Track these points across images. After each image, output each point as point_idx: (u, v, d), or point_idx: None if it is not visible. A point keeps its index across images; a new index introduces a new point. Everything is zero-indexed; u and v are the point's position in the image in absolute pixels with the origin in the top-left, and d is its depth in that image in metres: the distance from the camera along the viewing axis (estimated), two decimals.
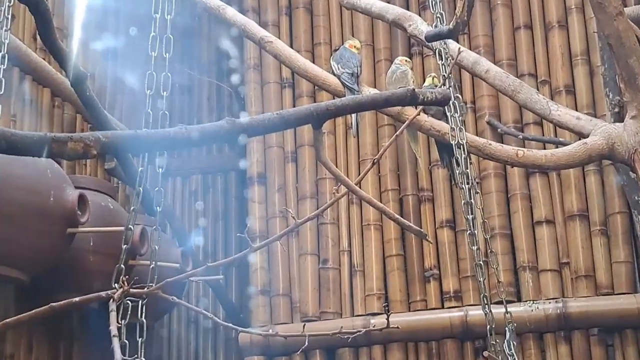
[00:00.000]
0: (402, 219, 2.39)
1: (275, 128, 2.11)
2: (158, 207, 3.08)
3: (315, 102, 5.57)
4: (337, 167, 5.45)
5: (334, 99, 5.09)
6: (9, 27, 3.66)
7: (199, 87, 6.32)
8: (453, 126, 3.64)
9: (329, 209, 5.10)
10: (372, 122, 5.50)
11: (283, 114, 2.12)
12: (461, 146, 3.62)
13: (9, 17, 3.68)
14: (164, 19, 3.17)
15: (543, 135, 5.21)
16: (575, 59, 5.32)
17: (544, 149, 5.03)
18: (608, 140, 3.55)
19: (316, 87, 5.10)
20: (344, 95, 4.17)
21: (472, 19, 5.36)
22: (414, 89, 2.33)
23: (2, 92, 3.39)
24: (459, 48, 3.75)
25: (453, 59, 3.67)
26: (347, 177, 5.39)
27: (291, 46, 5.57)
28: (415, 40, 4.69)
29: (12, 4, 3.58)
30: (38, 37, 4.73)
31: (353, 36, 5.49)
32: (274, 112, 5.43)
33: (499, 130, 5.24)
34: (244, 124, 2.02)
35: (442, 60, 3.77)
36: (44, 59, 4.67)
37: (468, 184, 3.59)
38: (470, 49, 5.24)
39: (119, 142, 1.73)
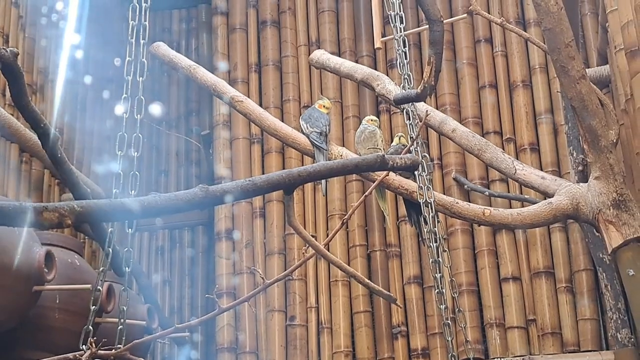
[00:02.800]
0: (371, 283, 2.42)
1: (247, 194, 2.13)
2: (127, 268, 3.07)
3: (284, 158, 5.62)
4: (305, 222, 5.49)
5: (302, 156, 5.20)
6: None
7: (167, 142, 6.33)
8: (421, 185, 3.69)
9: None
10: (340, 177, 5.54)
11: (255, 181, 2.14)
12: (429, 205, 3.66)
13: None
14: (136, 80, 3.19)
15: (509, 192, 5.28)
16: (540, 117, 5.43)
17: (510, 205, 5.11)
18: (573, 201, 3.62)
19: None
20: (313, 154, 4.21)
21: (439, 78, 5.46)
22: (383, 156, 2.38)
23: None
24: (427, 111, 3.82)
25: (421, 121, 3.73)
26: (316, 232, 5.46)
27: (260, 103, 5.65)
28: (383, 99, 4.77)
29: None
30: (7, 93, 4.75)
31: (322, 93, 5.56)
32: (243, 175, 5.43)
33: (465, 186, 5.31)
34: (217, 191, 2.04)
35: (409, 120, 3.83)
36: (12, 114, 4.67)
37: (436, 242, 3.62)
38: (437, 107, 5.36)
39: (93, 212, 1.74)
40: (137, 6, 3.33)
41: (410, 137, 4.07)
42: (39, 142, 4.45)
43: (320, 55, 4.73)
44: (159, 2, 6.22)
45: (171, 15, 6.66)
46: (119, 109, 3.20)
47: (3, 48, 2.69)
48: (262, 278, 3.47)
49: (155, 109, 6.24)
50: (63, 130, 5.39)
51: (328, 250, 3.72)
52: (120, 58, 3.94)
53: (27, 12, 5.22)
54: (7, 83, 2.85)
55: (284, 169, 5.59)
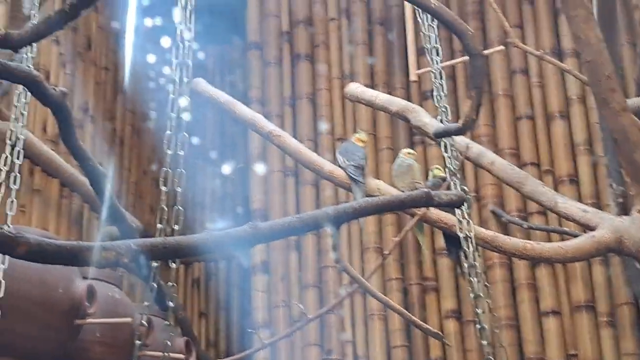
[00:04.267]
0: (418, 320, 2.40)
1: (295, 231, 2.14)
2: (171, 303, 3.08)
3: (318, 190, 5.63)
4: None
5: (336, 189, 5.20)
6: (24, 122, 3.74)
7: (202, 175, 6.38)
8: (460, 219, 3.66)
9: (332, 298, 5.10)
10: None
11: (303, 218, 2.16)
12: (469, 239, 3.63)
13: (25, 112, 3.75)
14: (179, 118, 3.23)
15: (547, 224, 5.24)
16: (578, 148, 5.40)
17: (549, 238, 5.06)
18: (616, 234, 3.58)
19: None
20: (350, 187, 4.21)
21: None
22: (429, 191, 2.37)
23: (17, 187, 3.42)
24: (467, 145, 3.81)
25: (460, 155, 3.72)
26: (351, 265, 5.44)
27: (294, 135, 5.66)
28: (418, 131, 4.77)
29: (27, 101, 3.65)
30: (48, 128, 4.82)
31: (356, 126, 5.58)
32: (278, 208, 5.42)
33: (503, 219, 5.28)
34: (266, 228, 2.05)
35: (448, 153, 3.82)
36: (53, 149, 4.74)
37: (476, 276, 3.59)
38: (472, 139, 5.34)
39: (148, 250, 1.76)
40: (180, 44, 3.37)
41: (449, 171, 4.06)
42: (80, 177, 4.53)
43: (355, 88, 4.75)
44: (195, 40, 6.33)
45: (206, 52, 6.75)
46: (162, 144, 3.23)
47: (53, 87, 2.74)
48: (304, 312, 3.47)
49: (193, 143, 6.29)
50: (109, 169, 5.45)
51: None
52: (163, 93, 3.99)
53: (67, 49, 5.31)
54: (55, 121, 2.90)
55: (318, 201, 5.60)
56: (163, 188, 3.13)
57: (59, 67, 5.17)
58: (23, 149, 3.76)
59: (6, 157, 3.56)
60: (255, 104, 5.85)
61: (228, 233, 2.02)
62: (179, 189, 3.23)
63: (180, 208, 3.17)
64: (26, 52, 3.69)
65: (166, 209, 3.09)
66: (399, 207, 2.40)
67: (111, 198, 2.98)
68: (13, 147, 3.66)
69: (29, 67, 3.51)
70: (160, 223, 3.12)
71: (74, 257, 1.67)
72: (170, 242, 1.83)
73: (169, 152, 3.15)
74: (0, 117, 4.25)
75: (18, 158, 3.59)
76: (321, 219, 2.22)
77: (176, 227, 3.16)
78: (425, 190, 2.39)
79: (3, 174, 3.51)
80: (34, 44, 3.77)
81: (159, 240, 1.81)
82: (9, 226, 3.23)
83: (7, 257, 3.39)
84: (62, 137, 2.74)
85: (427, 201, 2.37)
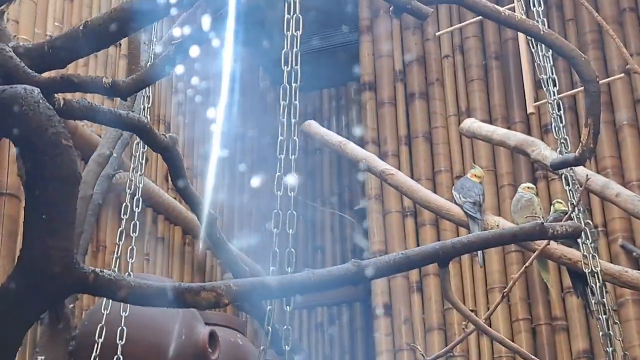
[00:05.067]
0: None
1: (400, 268, 2.08)
2: (287, 346, 3.05)
3: (438, 230, 5.53)
4: (463, 295, 5.34)
5: (457, 228, 5.09)
6: (143, 171, 3.85)
7: (321, 218, 6.39)
8: (585, 254, 3.50)
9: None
10: (499, 248, 5.38)
11: (408, 254, 2.09)
12: (595, 274, 3.46)
13: (143, 161, 3.87)
14: (289, 159, 3.23)
15: None
16: None
17: None
18: None
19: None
20: (468, 225, 4.11)
21: (598, 140, 5.26)
22: (542, 223, 2.27)
23: (136, 235, 3.51)
24: (587, 175, 3.65)
25: (581, 186, 3.57)
26: (475, 306, 5.29)
27: (411, 175, 5.61)
28: (539, 165, 4.62)
29: (145, 149, 3.77)
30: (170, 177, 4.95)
31: (474, 162, 5.47)
32: (397, 249, 5.37)
33: (634, 254, 5.02)
34: (370, 266, 2.00)
35: (569, 186, 3.67)
36: (175, 198, 4.85)
37: (605, 314, 3.41)
38: (598, 171, 5.13)
39: (249, 290, 1.75)
40: (288, 86, 3.39)
41: (571, 204, 3.90)
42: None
43: (471, 124, 4.66)
44: (309, 83, 6.41)
45: (321, 95, 6.82)
46: (274, 187, 3.24)
47: (162, 134, 2.80)
48: (422, 355, 3.38)
49: (309, 185, 6.33)
50: (223, 211, 5.55)
51: (490, 325, 3.59)
52: (273, 140, 4.03)
53: (187, 99, 5.47)
54: (167, 166, 2.96)
55: (438, 241, 5.49)
56: (274, 230, 3.13)
57: (178, 117, 5.33)
58: (144, 197, 3.88)
59: (126, 205, 3.68)
60: (371, 144, 5.84)
61: (331, 272, 1.99)
62: (290, 231, 3.22)
63: (293, 250, 3.15)
64: (142, 101, 3.82)
65: (278, 250, 3.08)
66: (510, 240, 2.31)
67: (222, 242, 3.00)
68: (133, 195, 3.78)
69: (145, 116, 3.63)
70: (273, 266, 3.12)
71: (174, 299, 1.67)
72: (271, 282, 1.81)
73: (279, 193, 3.15)
74: (123, 168, 4.39)
75: (137, 206, 3.69)
76: (428, 255, 2.15)
77: (289, 270, 3.15)
78: (538, 222, 2.29)
79: (123, 223, 3.62)
80: (150, 95, 3.91)
81: (258, 280, 1.79)
82: (114, 271, 3.31)
83: (128, 305, 3.47)
84: (173, 183, 2.79)
85: (541, 234, 2.27)
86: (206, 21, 2.57)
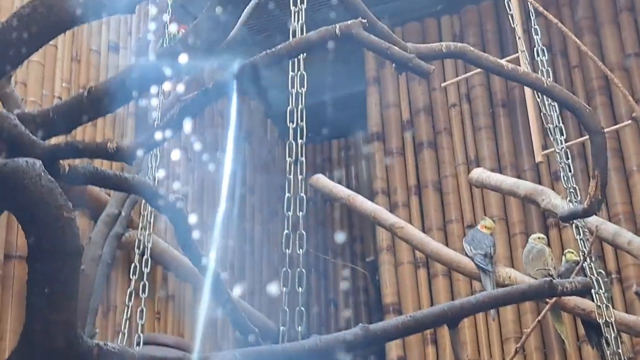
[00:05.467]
0: None
1: (409, 331, 2.06)
2: None
3: (451, 281, 5.48)
4: (478, 347, 5.27)
5: (470, 281, 5.06)
6: (151, 230, 3.85)
7: (333, 270, 6.36)
8: (599, 304, 3.46)
9: None
10: None
11: (417, 317, 2.07)
12: (610, 325, 3.42)
13: (152, 220, 3.86)
14: (297, 216, 3.22)
15: None
16: None
17: None
18: None
19: None
20: (479, 277, 4.08)
21: (609, 186, 5.23)
22: (551, 281, 2.25)
23: (146, 295, 3.50)
24: (596, 226, 3.63)
25: (592, 235, 3.55)
26: (491, 357, 5.22)
27: (422, 225, 5.58)
28: (549, 214, 4.60)
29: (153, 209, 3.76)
30: None
31: (485, 211, 5.44)
32: (410, 301, 5.31)
33: None
34: (378, 330, 1.98)
35: (580, 235, 3.65)
36: (184, 255, 4.83)
37: None
38: (609, 217, 5.10)
39: (261, 357, 1.73)
40: (294, 143, 3.40)
41: (582, 253, 3.86)
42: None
43: (480, 173, 4.66)
44: (317, 134, 6.45)
45: (330, 145, 6.83)
46: (283, 244, 3.22)
47: (169, 193, 2.80)
48: None
49: (320, 237, 6.31)
50: (234, 265, 5.52)
51: None
52: (282, 193, 4.03)
53: (194, 154, 5.49)
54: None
55: (452, 292, 5.45)
56: (283, 289, 3.11)
57: (187, 173, 5.34)
58: (153, 255, 3.87)
59: (135, 266, 3.67)
60: (381, 195, 5.83)
61: (338, 337, 1.96)
62: (300, 290, 3.20)
63: (303, 309, 3.13)
64: (150, 161, 3.83)
65: (287, 310, 3.06)
66: (520, 299, 2.29)
67: (232, 303, 2.98)
68: (142, 255, 3.77)
69: (151, 178, 3.63)
70: (284, 325, 3.09)
71: None
72: (277, 349, 1.79)
73: (287, 251, 3.14)
74: (132, 226, 4.39)
75: (146, 267, 3.68)
76: (437, 316, 2.13)
77: (299, 329, 3.11)
78: (547, 279, 2.27)
79: (133, 283, 3.60)
80: (158, 155, 3.92)
81: (265, 348, 1.77)
82: (124, 333, 3.30)
83: None
84: (180, 244, 2.78)
85: (550, 291, 2.25)
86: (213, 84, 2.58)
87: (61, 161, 2.49)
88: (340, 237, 6.47)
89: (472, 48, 2.80)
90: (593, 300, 3.53)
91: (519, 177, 5.36)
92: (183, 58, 2.31)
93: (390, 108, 6.13)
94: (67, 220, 1.65)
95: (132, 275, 3.64)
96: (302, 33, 3.41)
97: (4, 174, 1.68)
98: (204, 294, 2.69)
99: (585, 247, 3.62)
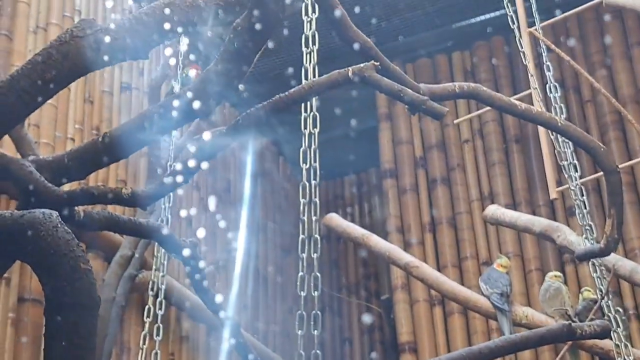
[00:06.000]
0: None
1: None
2: None
3: (467, 319, 5.44)
4: None
5: (487, 320, 5.00)
6: (165, 272, 3.84)
7: (348, 308, 6.32)
8: (617, 342, 3.42)
9: None
10: None
11: None
12: None
13: (165, 262, 3.86)
14: (311, 257, 3.21)
15: None
16: None
17: None
18: None
19: None
20: (496, 316, 4.04)
21: (624, 221, 5.19)
22: (570, 324, 2.22)
23: (160, 338, 3.48)
24: (613, 265, 3.60)
25: (609, 273, 3.52)
26: None
27: (437, 263, 5.55)
28: (565, 251, 4.56)
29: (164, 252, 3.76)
30: None
31: (500, 248, 5.41)
32: (426, 339, 5.24)
33: None
34: None
35: (596, 273, 3.62)
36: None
37: None
38: (625, 253, 5.05)
39: None
40: (307, 184, 3.39)
41: (599, 291, 3.83)
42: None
43: (495, 210, 4.63)
44: (330, 171, 6.44)
45: (343, 182, 6.82)
46: (297, 285, 3.21)
47: (183, 240, 2.80)
48: None
49: (334, 275, 6.28)
50: (248, 306, 5.50)
51: None
52: (295, 233, 4.02)
53: (207, 194, 5.49)
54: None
55: (468, 331, 5.40)
56: (299, 332, 3.08)
57: (200, 212, 5.34)
58: (167, 296, 3.85)
59: (149, 308, 3.66)
60: (394, 232, 5.80)
61: None
62: (316, 332, 3.17)
63: (319, 352, 3.10)
64: (163, 202, 3.83)
65: (303, 353, 3.03)
66: (538, 343, 2.26)
67: (245, 345, 2.97)
68: (156, 297, 3.76)
69: (165, 219, 3.63)
70: None
71: None
72: None
73: (302, 293, 3.12)
74: (145, 267, 4.38)
75: (160, 309, 3.67)
76: None
77: None
78: (566, 323, 2.25)
79: (147, 326, 3.59)
80: (171, 195, 3.92)
81: None
82: None
83: None
84: (193, 287, 2.77)
85: (569, 335, 2.22)
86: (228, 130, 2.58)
87: (76, 207, 2.50)
88: (354, 274, 6.43)
89: (485, 88, 2.79)
90: (611, 339, 3.49)
91: (533, 212, 5.34)
92: (196, 104, 2.32)
93: (403, 144, 6.12)
94: (84, 271, 1.64)
95: (146, 318, 3.63)
96: (313, 42, 3.41)
97: (21, 225, 1.68)
98: (220, 336, 2.68)
99: (602, 285, 3.59)
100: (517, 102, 2.93)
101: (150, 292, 3.72)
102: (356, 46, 2.54)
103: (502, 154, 5.89)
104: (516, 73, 5.95)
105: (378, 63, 2.43)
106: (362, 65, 2.43)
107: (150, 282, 3.77)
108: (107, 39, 2.18)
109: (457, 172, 5.93)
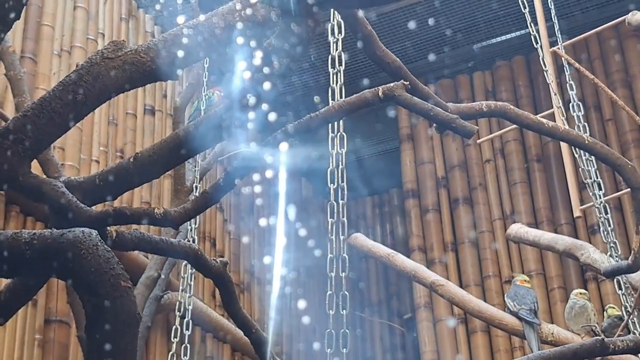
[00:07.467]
0: None
1: None
2: None
3: (490, 337, 5.42)
4: None
5: (510, 337, 4.99)
6: (191, 292, 3.87)
7: (370, 328, 6.32)
8: None
9: None
10: None
11: None
12: None
13: (192, 283, 3.89)
14: (339, 276, 3.23)
15: None
16: None
17: None
18: None
19: None
20: (522, 333, 4.02)
21: None
22: (603, 339, 2.22)
23: (187, 359, 3.50)
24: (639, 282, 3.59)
25: (635, 291, 3.51)
26: None
27: (460, 281, 5.55)
28: (589, 269, 4.55)
29: (193, 271, 3.79)
30: (217, 294, 4.95)
31: (522, 266, 5.40)
32: (449, 358, 5.23)
33: None
34: None
35: (621, 290, 3.62)
36: (222, 315, 4.84)
37: None
38: None
39: None
40: (335, 204, 3.42)
41: (624, 308, 3.82)
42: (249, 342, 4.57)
43: (518, 229, 4.62)
44: (353, 191, 6.45)
45: (365, 202, 6.84)
46: (325, 305, 3.22)
47: (214, 259, 2.81)
48: None
49: (357, 294, 6.28)
50: (269, 327, 5.50)
51: None
52: (322, 251, 4.04)
53: (231, 215, 5.52)
54: (219, 292, 2.96)
55: (491, 349, 5.39)
56: (328, 350, 3.10)
57: (224, 233, 5.36)
58: (192, 316, 3.87)
59: (176, 328, 3.68)
60: (416, 252, 5.81)
61: None
62: (344, 350, 3.18)
63: None
64: (190, 223, 3.86)
65: None
66: (572, 359, 2.25)
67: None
68: (182, 317, 3.78)
69: (190, 240, 3.66)
70: None
71: None
72: None
73: (331, 312, 3.14)
74: (170, 288, 4.40)
75: (187, 329, 3.70)
76: None
77: None
78: (599, 338, 2.25)
79: (174, 346, 3.62)
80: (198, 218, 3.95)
81: None
82: None
83: None
84: (225, 307, 2.78)
85: (602, 350, 2.22)
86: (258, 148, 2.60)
87: (108, 227, 2.53)
88: (376, 293, 6.43)
89: (512, 107, 2.81)
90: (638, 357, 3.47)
91: (555, 231, 5.33)
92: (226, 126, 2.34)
93: (425, 165, 6.14)
94: (125, 289, 1.66)
95: (173, 338, 3.66)
96: (340, 63, 3.44)
97: (61, 244, 1.71)
98: (260, 356, 2.69)
99: (627, 302, 3.59)
100: (544, 120, 2.94)
101: (177, 313, 3.75)
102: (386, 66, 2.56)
103: (524, 173, 5.89)
104: (537, 92, 5.96)
105: (408, 82, 2.45)
106: (391, 84, 2.44)
107: (177, 303, 3.80)
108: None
109: (479, 191, 5.93)
